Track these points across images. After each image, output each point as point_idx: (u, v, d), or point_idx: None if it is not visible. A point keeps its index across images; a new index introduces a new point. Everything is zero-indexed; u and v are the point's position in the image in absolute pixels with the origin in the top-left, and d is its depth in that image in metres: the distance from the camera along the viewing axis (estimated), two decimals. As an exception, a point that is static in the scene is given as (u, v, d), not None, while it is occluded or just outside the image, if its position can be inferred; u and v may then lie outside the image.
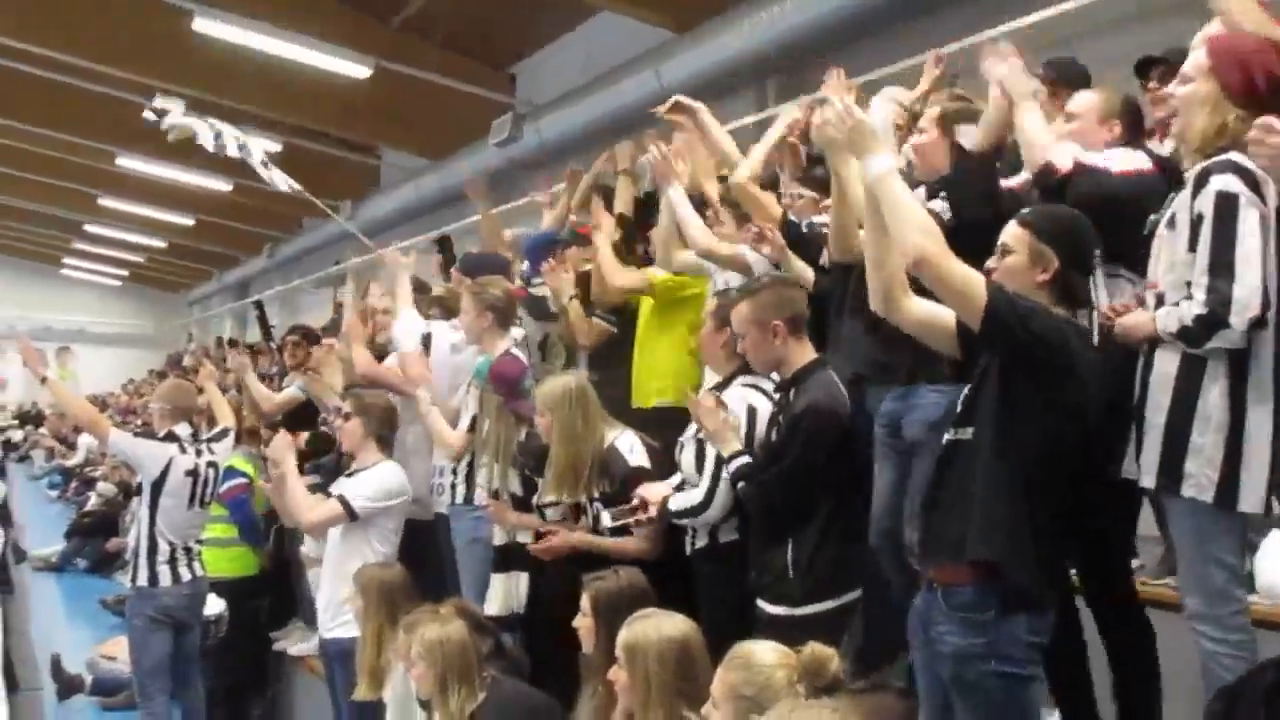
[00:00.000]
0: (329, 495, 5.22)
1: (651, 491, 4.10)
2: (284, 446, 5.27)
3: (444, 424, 5.24)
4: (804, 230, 4.45)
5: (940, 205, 3.52)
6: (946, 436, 2.91)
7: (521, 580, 4.78)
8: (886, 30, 7.73)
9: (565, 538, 4.26)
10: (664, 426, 4.56)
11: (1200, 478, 2.93)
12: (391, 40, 12.85)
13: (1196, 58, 3.08)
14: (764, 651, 2.71)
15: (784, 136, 4.92)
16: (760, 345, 3.72)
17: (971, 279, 2.73)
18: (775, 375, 3.88)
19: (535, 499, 4.68)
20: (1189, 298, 2.96)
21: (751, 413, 3.88)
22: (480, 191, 7.58)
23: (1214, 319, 2.89)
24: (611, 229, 5.58)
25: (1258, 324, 2.89)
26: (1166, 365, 3.03)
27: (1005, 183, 3.90)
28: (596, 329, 5.42)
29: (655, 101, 9.27)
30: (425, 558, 5.59)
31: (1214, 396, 2.94)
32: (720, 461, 3.77)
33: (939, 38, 6.51)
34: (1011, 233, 2.93)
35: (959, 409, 2.90)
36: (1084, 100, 3.75)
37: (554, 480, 4.34)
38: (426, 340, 5.62)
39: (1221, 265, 2.88)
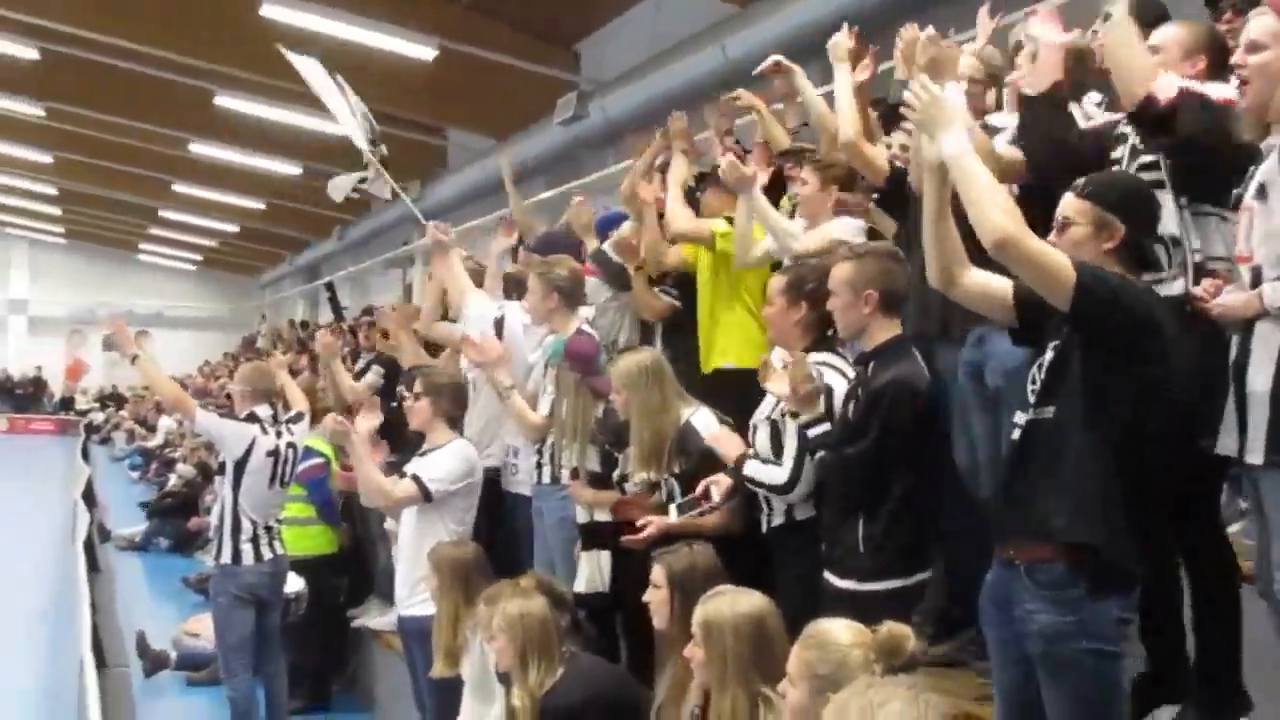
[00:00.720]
0: (403, 475, 5.28)
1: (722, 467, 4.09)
2: (341, 431, 5.34)
3: (525, 406, 5.28)
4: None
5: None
6: (1025, 416, 2.87)
7: (604, 558, 4.80)
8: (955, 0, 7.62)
9: (659, 525, 4.19)
10: (731, 390, 4.57)
11: None
12: (456, 20, 12.91)
13: (1265, 24, 2.98)
14: (839, 630, 2.70)
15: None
16: (849, 309, 3.66)
17: (1055, 257, 2.71)
18: (850, 355, 3.88)
19: (615, 474, 4.69)
20: None
21: (827, 391, 3.84)
22: (510, 169, 7.42)
23: None
24: (684, 177, 5.55)
25: None
26: (1269, 337, 2.94)
27: (1087, 124, 3.82)
28: (662, 304, 5.42)
29: (721, 77, 9.38)
30: (498, 517, 5.70)
31: None
32: (804, 441, 3.74)
33: (1012, 3, 6.43)
34: (1071, 205, 2.89)
35: (1036, 388, 2.87)
36: (1167, 33, 3.50)
37: (640, 459, 4.32)
38: (499, 323, 5.65)
39: None
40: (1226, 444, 3.04)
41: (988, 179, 2.76)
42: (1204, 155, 3.18)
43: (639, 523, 4.24)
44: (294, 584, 6.85)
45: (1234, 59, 3.16)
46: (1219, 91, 3.26)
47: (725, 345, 5.03)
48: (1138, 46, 3.29)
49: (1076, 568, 2.69)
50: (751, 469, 3.94)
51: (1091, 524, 2.69)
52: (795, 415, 3.75)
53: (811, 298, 3.91)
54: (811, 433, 3.66)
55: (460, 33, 12.77)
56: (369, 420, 5.66)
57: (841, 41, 4.62)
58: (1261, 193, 2.96)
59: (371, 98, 14.52)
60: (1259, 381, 2.95)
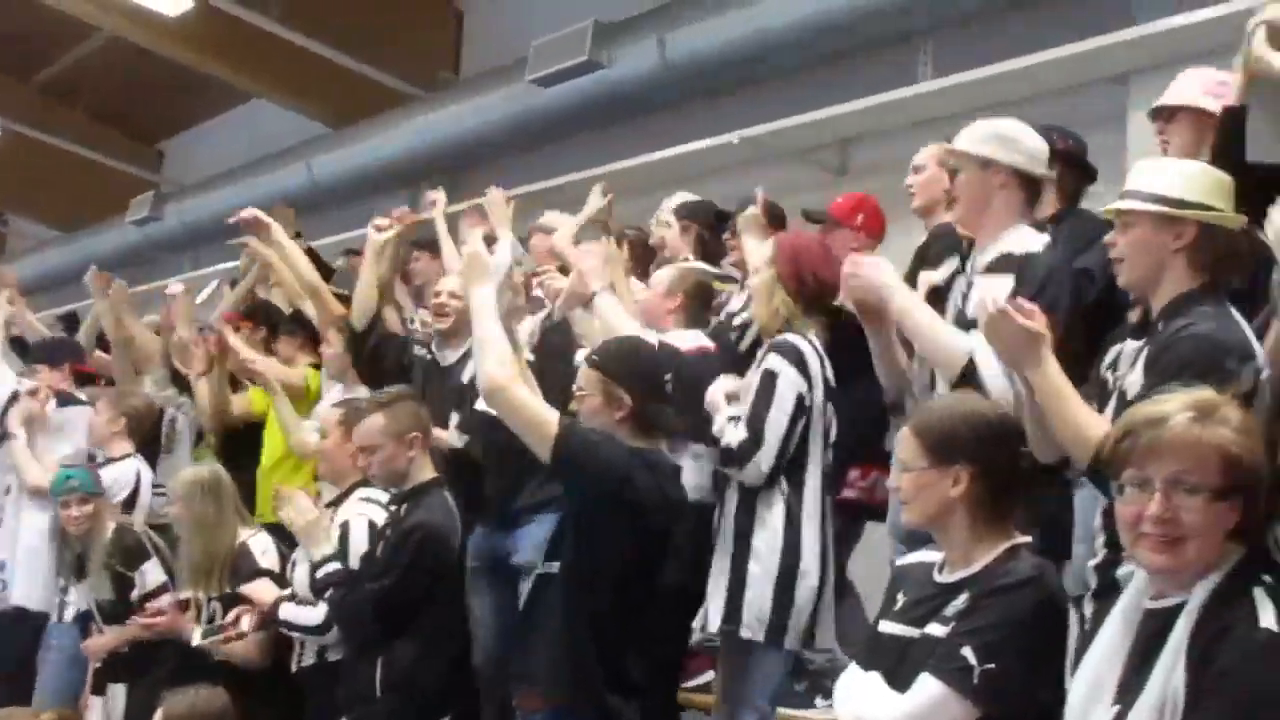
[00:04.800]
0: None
1: (260, 593, 3.96)
2: None
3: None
4: None
5: None
6: (537, 570, 2.99)
7: (119, 693, 4.49)
8: (541, 146, 7.97)
9: (172, 621, 4.10)
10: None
11: (752, 620, 3.18)
12: (27, 103, 12.10)
13: (764, 249, 3.46)
14: None
15: None
16: (394, 458, 3.71)
17: (542, 411, 2.88)
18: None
19: (135, 594, 4.44)
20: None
21: (373, 527, 3.83)
22: (101, 283, 6.79)
23: (740, 457, 3.20)
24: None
25: (770, 480, 3.23)
26: (729, 506, 3.30)
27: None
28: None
29: (307, 191, 9.27)
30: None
31: (765, 539, 3.21)
32: (313, 579, 3.69)
33: (591, 159, 6.84)
34: (584, 374, 3.10)
35: (549, 543, 3.00)
36: (657, 275, 4.14)
37: (190, 574, 4.20)
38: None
39: (755, 426, 3.20)
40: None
41: (496, 332, 2.94)
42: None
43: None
44: None
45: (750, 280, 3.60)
46: (690, 342, 3.75)
47: None
48: (613, 307, 3.78)
49: (559, 717, 2.80)
50: (287, 612, 3.83)
51: (566, 676, 2.83)
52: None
53: None
54: (320, 572, 3.62)
55: (30, 116, 11.94)
56: None
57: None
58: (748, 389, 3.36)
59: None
60: (721, 552, 3.29)
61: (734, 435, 3.22)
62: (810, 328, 3.33)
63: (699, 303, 3.98)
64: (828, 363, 3.32)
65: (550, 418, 2.85)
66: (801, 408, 3.24)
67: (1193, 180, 2.45)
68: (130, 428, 5.12)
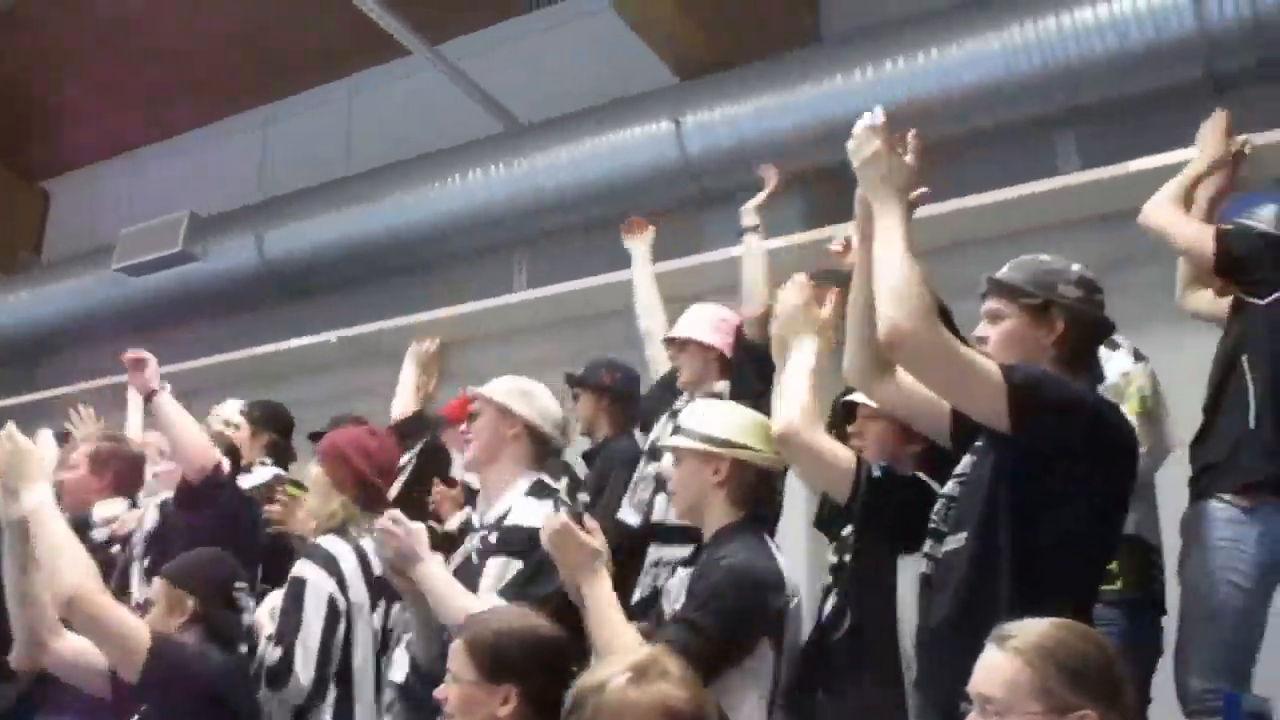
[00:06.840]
0: None
1: None
2: None
3: None
4: None
5: None
6: None
7: None
8: (129, 337, 7.52)
9: None
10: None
11: None
12: None
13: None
14: None
15: None
16: None
17: (129, 621, 2.74)
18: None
19: None
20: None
21: None
22: None
23: (276, 678, 3.05)
24: None
25: (315, 694, 3.10)
26: None
27: None
28: None
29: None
30: None
31: None
32: None
33: (182, 352, 6.57)
34: (155, 585, 2.98)
35: None
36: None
37: None
38: None
39: (285, 643, 3.09)
40: None
41: (69, 534, 2.76)
42: None
43: None
44: None
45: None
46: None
47: None
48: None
49: None
50: None
51: None
52: None
53: None
54: None
55: None
56: None
57: None
58: None
59: None
60: None
61: (272, 655, 3.09)
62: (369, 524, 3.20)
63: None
64: (372, 559, 3.19)
65: (140, 628, 2.70)
66: (335, 611, 3.14)
67: (733, 422, 2.70)
68: None
